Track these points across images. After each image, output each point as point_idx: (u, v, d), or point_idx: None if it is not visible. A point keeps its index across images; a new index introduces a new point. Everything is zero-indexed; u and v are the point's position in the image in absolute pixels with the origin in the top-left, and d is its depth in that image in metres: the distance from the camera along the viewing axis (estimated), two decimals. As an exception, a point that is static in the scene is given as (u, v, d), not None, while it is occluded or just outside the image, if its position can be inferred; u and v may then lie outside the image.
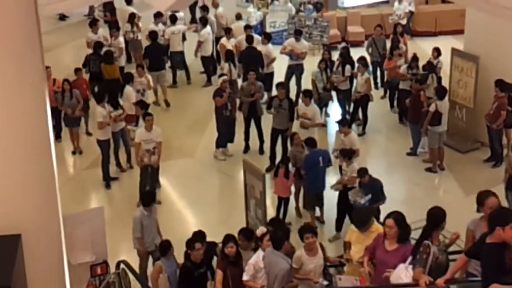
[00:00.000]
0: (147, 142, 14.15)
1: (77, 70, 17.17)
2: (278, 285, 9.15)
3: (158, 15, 20.31)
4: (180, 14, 20.91)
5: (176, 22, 20.36)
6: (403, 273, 8.14)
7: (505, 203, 12.94)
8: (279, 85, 15.95)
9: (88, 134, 17.23)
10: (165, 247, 10.70)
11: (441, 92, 15.35)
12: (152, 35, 19.28)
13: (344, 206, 12.91)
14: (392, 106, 18.42)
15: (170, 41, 20.12)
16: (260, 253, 9.69)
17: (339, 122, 14.40)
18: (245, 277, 9.69)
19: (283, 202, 13.64)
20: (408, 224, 8.69)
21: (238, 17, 21.54)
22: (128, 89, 16.30)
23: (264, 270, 9.44)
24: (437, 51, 17.58)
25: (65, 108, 16.28)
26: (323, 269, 9.75)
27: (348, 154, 13.14)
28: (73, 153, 16.66)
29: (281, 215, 13.54)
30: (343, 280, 9.51)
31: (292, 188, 13.75)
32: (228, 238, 10.12)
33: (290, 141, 14.26)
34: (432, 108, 15.04)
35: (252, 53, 18.22)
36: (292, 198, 13.85)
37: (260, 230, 10.33)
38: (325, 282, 9.57)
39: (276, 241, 9.36)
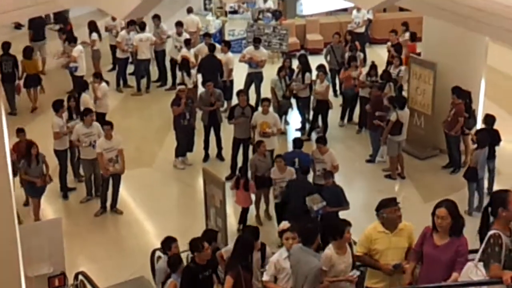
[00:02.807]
0: (109, 151, 13.99)
1: (19, 131, 14.26)
2: (309, 287, 8.38)
3: (130, 23, 20.13)
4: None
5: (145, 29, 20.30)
6: (473, 272, 7.06)
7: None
8: (240, 92, 15.92)
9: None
10: (175, 263, 9.91)
11: (400, 101, 15.45)
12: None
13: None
14: (342, 118, 18.25)
15: (138, 48, 19.96)
16: (283, 251, 9.01)
17: (317, 141, 14.06)
18: (265, 277, 8.96)
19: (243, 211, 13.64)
20: (461, 215, 7.69)
21: (189, 10, 22.14)
22: (85, 96, 16.11)
23: (291, 270, 8.66)
24: (398, 59, 17.70)
25: (30, 177, 13.68)
26: (352, 268, 8.77)
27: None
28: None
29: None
30: None
31: (253, 197, 13.73)
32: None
33: (253, 148, 14.18)
34: (393, 117, 15.12)
35: (212, 62, 18.16)
36: (251, 207, 13.83)
37: (283, 224, 9.72)
38: (358, 272, 8.58)
39: (307, 235, 8.53)
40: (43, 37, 21.44)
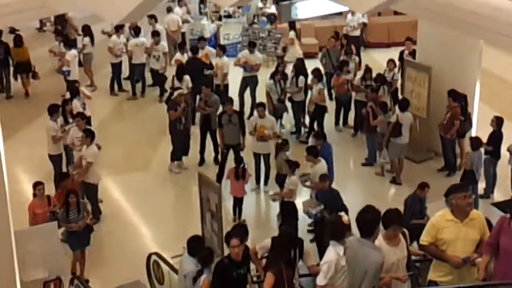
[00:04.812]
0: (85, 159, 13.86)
1: (63, 177, 13.38)
2: (368, 284, 7.28)
3: (119, 27, 20.15)
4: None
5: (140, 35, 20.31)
6: None
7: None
8: (227, 101, 15.85)
9: None
10: (208, 257, 9.06)
11: (403, 104, 15.46)
12: None
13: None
14: (337, 122, 18.24)
15: (133, 53, 20.00)
16: (338, 247, 7.63)
17: (307, 152, 13.42)
18: (322, 282, 7.55)
19: (237, 201, 13.95)
20: None
21: (169, 9, 22.71)
22: (75, 102, 15.95)
23: (347, 265, 7.50)
24: (393, 63, 17.71)
25: (72, 225, 12.05)
26: (407, 262, 7.84)
27: (292, 165, 13.07)
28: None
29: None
30: None
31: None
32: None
33: (277, 150, 14.21)
34: (393, 119, 15.13)
35: (195, 63, 18.19)
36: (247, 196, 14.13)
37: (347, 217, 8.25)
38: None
39: (365, 226, 7.41)
40: None
